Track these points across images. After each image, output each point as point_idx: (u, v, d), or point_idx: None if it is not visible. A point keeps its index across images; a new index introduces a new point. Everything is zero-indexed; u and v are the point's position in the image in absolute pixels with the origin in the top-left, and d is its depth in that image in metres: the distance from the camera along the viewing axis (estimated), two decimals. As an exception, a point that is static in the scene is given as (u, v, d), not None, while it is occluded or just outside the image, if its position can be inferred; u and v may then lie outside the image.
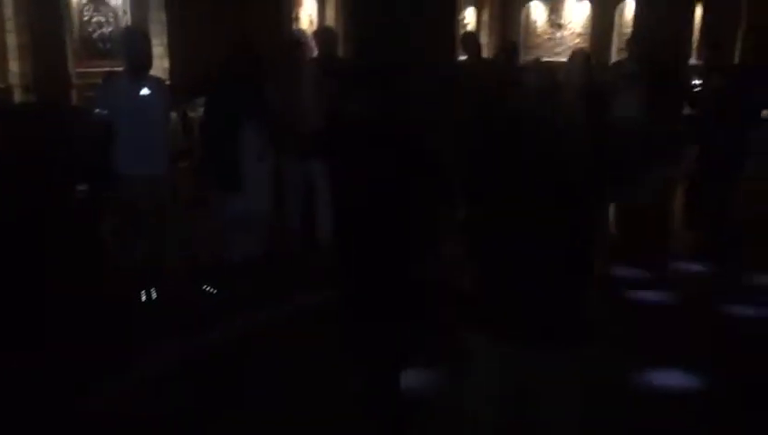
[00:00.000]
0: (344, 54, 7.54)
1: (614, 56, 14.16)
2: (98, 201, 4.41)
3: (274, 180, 4.83)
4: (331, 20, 13.38)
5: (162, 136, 4.40)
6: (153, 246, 4.38)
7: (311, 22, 12.61)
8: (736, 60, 12.75)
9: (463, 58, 6.15)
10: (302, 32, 12.29)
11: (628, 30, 14.02)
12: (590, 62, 5.23)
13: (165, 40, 9.58)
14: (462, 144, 4.95)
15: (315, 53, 5.65)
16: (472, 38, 6.10)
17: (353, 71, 3.98)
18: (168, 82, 7.14)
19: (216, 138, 4.62)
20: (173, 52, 9.59)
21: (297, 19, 12.25)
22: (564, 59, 13.52)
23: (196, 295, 4.54)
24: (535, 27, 15.93)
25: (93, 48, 9.29)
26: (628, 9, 14.21)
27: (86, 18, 9.26)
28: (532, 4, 15.83)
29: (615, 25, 14.73)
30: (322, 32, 6.01)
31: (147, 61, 4.35)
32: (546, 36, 15.76)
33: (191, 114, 7.61)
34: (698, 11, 11.61)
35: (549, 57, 13.60)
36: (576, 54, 5.36)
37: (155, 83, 4.47)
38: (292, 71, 5.00)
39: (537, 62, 8.33)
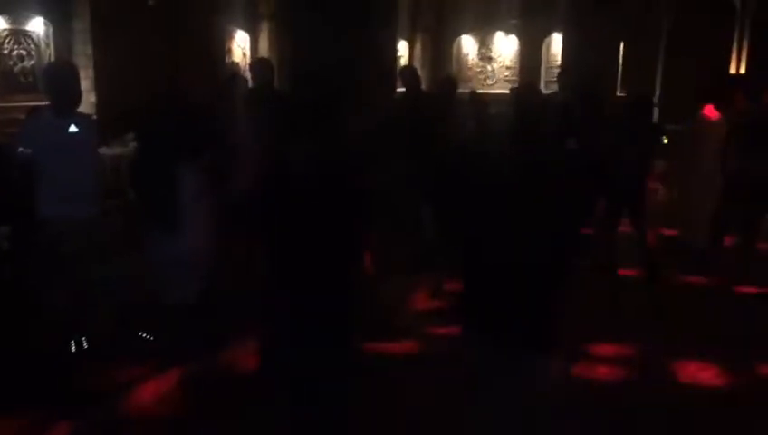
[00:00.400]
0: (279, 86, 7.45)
1: (543, 88, 14.64)
2: (21, 246, 4.12)
3: (215, 218, 4.63)
4: (264, 52, 13.29)
5: (91, 175, 4.17)
6: (81, 292, 4.10)
7: (243, 54, 12.50)
8: (658, 92, 13.42)
9: (401, 91, 6.16)
10: (236, 64, 12.17)
11: (555, 63, 14.58)
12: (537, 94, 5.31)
13: (91, 73, 9.23)
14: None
15: (251, 84, 5.54)
16: (411, 71, 6.11)
17: (291, 105, 3.90)
18: (95, 117, 6.86)
19: (149, 176, 4.42)
20: (100, 86, 9.25)
21: (229, 51, 12.12)
22: (496, 91, 13.95)
23: (131, 343, 4.29)
24: (467, 60, 16.31)
25: (14, 82, 8.86)
26: (555, 43, 14.78)
27: (6, 51, 8.85)
28: (463, 38, 16.23)
29: (543, 59, 15.27)
30: (259, 63, 5.91)
31: (75, 97, 4.11)
32: (477, 69, 16.16)
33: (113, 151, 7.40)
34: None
35: (481, 89, 13.89)
36: (524, 87, 5.43)
37: (83, 120, 4.23)
38: (230, 103, 4.87)
39: (474, 94, 8.52)
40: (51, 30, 9.26)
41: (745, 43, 13.22)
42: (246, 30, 12.52)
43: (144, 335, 4.35)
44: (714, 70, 12.41)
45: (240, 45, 12.51)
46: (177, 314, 4.42)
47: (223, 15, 10.91)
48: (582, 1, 8.46)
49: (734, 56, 13.28)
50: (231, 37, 12.14)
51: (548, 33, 14.90)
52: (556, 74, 8.91)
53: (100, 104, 9.13)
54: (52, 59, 8.99)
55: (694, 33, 12.46)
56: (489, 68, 16.09)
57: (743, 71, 13.21)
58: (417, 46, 15.99)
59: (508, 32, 15.61)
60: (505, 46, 15.87)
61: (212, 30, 10.71)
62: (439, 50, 16.12)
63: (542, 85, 14.85)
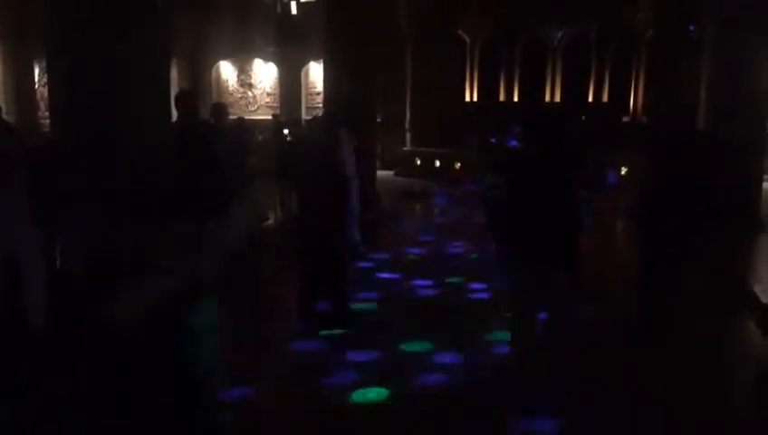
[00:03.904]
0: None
1: (304, 113, 15.14)
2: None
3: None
4: (-3, 76, 11.95)
5: None
6: None
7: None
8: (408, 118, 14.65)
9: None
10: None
11: (315, 90, 15.15)
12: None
13: None
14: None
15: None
16: (188, 97, 5.86)
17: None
18: None
19: None
20: None
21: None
22: (259, 117, 14.06)
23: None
24: (227, 86, 16.20)
25: None
26: (313, 71, 15.37)
27: None
28: (221, 64, 16.09)
29: (302, 85, 15.76)
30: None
31: None
32: (239, 95, 16.14)
33: None
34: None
35: (244, 115, 13.94)
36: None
37: None
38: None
39: (242, 120, 8.56)
40: None
41: (476, 75, 15.08)
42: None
43: None
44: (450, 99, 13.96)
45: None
46: None
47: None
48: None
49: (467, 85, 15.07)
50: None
51: (305, 61, 15.47)
52: (317, 102, 9.25)
53: None
54: None
55: (431, 66, 13.87)
56: (250, 94, 16.20)
57: (475, 98, 15.04)
58: (174, 71, 15.54)
59: (266, 59, 15.88)
60: (265, 73, 16.12)
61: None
62: (198, 75, 15.84)
63: (302, 111, 15.35)
